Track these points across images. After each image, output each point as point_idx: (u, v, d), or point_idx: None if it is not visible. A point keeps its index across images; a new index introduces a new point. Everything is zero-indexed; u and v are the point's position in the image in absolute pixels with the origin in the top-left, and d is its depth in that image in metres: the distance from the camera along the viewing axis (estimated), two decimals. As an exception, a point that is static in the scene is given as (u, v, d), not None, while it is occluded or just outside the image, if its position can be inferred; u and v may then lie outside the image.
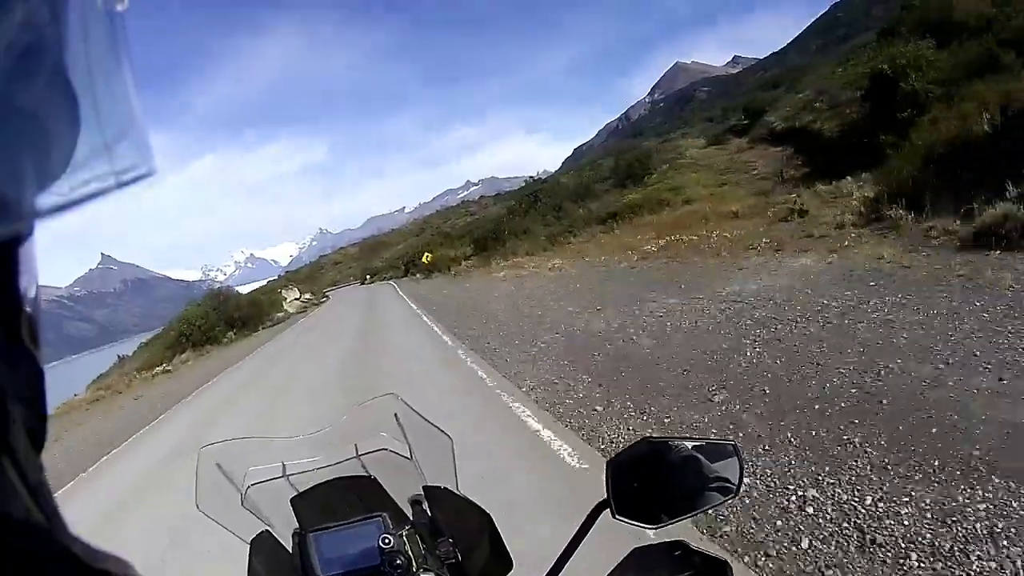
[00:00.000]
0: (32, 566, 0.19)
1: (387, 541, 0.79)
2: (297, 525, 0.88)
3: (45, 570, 0.19)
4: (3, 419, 0.19)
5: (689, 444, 0.71)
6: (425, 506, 0.90)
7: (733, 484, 0.71)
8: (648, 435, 0.70)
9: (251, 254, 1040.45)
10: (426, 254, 26.21)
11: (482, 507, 0.87)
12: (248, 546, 0.87)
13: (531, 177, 36.88)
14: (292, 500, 0.89)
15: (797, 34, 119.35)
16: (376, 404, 0.93)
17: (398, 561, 0.78)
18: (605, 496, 0.70)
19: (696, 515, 0.69)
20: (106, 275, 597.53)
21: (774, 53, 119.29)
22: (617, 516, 0.69)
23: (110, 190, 0.20)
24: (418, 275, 25.89)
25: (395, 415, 0.90)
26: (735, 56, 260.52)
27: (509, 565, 0.86)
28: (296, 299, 29.02)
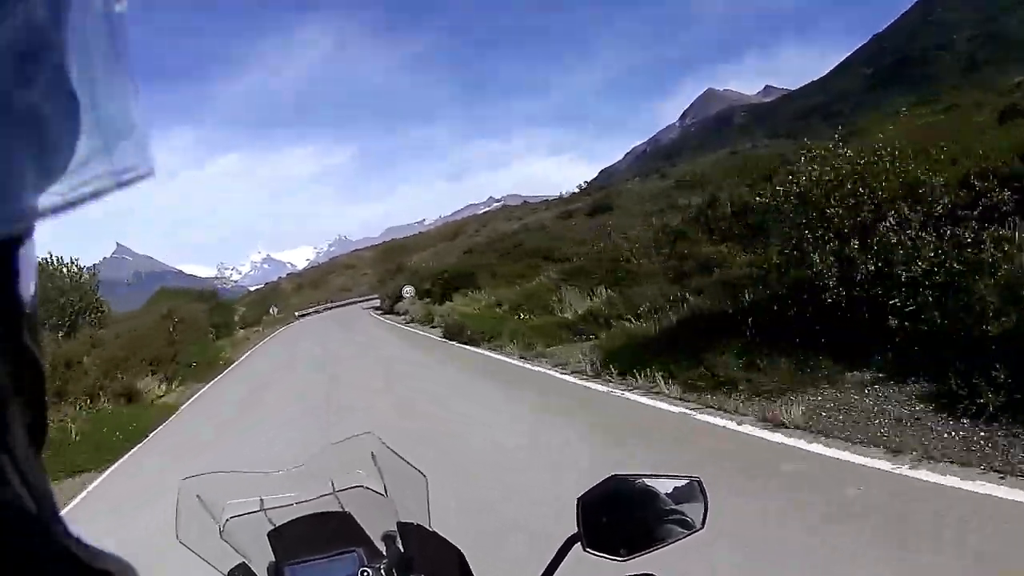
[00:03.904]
0: (32, 566, 0.19)
1: (366, 575, 0.79)
2: (273, 558, 0.88)
3: (45, 570, 0.19)
4: (3, 419, 0.19)
5: (654, 481, 0.77)
6: (399, 542, 0.88)
7: (697, 519, 0.76)
8: (615, 473, 0.76)
9: (268, 255, 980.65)
10: None
11: (453, 544, 0.88)
12: None
13: (560, 194, 36.28)
14: (269, 534, 0.89)
15: (838, 63, 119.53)
16: (353, 442, 0.94)
17: None
18: (576, 531, 0.75)
19: (660, 548, 0.74)
20: (120, 264, 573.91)
21: (813, 81, 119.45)
22: (588, 549, 0.74)
23: (110, 190, 0.20)
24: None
25: (371, 453, 0.91)
26: (767, 85, 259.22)
27: None
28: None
